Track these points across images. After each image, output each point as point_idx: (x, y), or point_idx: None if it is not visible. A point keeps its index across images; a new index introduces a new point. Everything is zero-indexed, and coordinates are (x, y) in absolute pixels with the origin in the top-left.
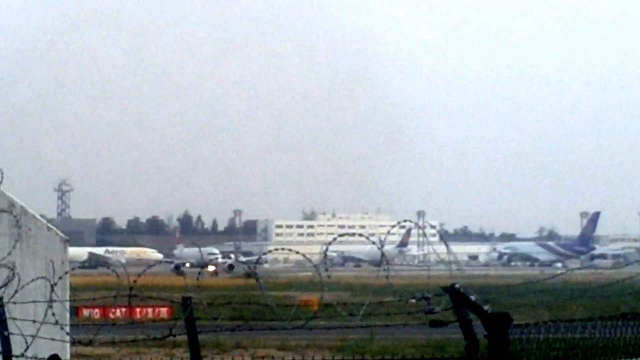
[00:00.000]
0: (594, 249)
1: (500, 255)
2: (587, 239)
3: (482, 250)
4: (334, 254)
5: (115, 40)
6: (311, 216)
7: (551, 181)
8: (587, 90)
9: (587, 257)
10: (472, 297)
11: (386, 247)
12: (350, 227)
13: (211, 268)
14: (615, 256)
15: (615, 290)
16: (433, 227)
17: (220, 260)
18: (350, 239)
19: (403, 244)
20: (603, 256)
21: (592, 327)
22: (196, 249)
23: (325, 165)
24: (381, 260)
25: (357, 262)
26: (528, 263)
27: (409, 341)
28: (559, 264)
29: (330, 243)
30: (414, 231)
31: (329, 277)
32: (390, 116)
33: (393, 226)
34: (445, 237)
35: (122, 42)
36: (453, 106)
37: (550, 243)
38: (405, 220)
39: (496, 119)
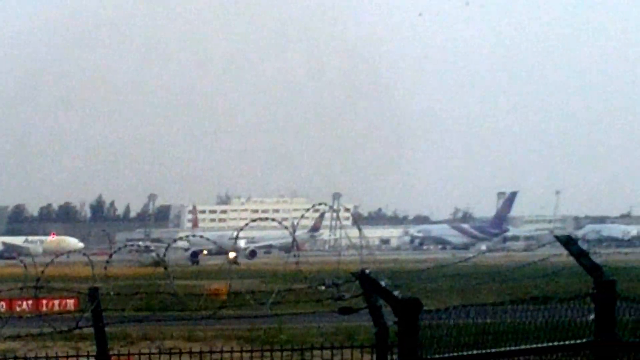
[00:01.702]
0: (507, 230)
1: (412, 239)
2: (501, 220)
3: (394, 233)
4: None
5: None
6: (226, 200)
7: (467, 161)
8: (500, 68)
9: (500, 239)
10: (383, 283)
11: (298, 232)
12: (264, 211)
13: (232, 255)
14: (527, 238)
15: (527, 273)
16: (347, 210)
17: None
18: (264, 223)
19: (315, 228)
20: (516, 238)
21: (502, 312)
22: (217, 233)
23: (241, 148)
24: (292, 246)
25: (267, 248)
26: (440, 246)
27: (319, 329)
28: (471, 247)
29: (241, 229)
30: (327, 215)
31: (238, 264)
32: (304, 99)
33: (307, 210)
34: (358, 220)
35: None
36: (368, 86)
37: (464, 225)
38: (320, 204)
39: (405, 103)
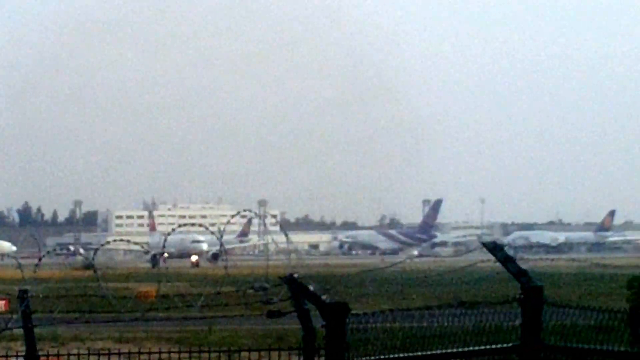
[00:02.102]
0: (435, 236)
1: (341, 244)
2: (428, 226)
3: (323, 239)
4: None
5: None
6: (152, 206)
7: (393, 169)
8: (423, 75)
9: (429, 244)
10: (311, 287)
11: (226, 237)
12: (191, 217)
13: (194, 258)
14: (456, 244)
15: (455, 278)
16: (274, 216)
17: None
18: (192, 229)
19: (244, 233)
20: (444, 244)
21: (430, 316)
22: (179, 236)
23: (166, 154)
24: (220, 251)
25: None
26: (369, 251)
27: (249, 332)
28: (400, 253)
29: (169, 234)
30: (255, 220)
31: (167, 268)
32: (226, 105)
33: (233, 216)
34: (285, 226)
35: None
36: (299, 96)
37: (392, 231)
38: (245, 210)
39: (331, 109)
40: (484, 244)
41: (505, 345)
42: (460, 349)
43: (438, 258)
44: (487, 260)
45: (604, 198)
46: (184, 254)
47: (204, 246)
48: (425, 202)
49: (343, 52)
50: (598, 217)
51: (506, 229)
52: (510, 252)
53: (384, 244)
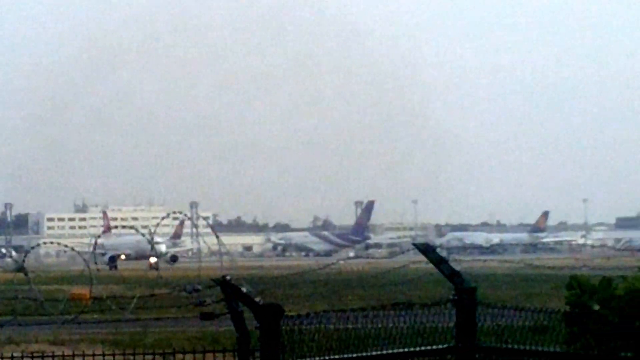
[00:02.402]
0: (369, 238)
1: (275, 246)
2: (362, 228)
3: (256, 241)
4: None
5: None
6: (83, 209)
7: (325, 170)
8: (358, 79)
9: (362, 246)
10: (244, 289)
11: (159, 239)
12: (122, 219)
13: (153, 259)
14: (390, 245)
15: (390, 279)
16: (205, 218)
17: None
18: (123, 231)
19: (176, 236)
20: (378, 245)
21: (365, 317)
22: (134, 237)
23: (96, 156)
24: (151, 253)
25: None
26: (303, 253)
27: (183, 334)
28: (334, 254)
29: (99, 236)
30: (188, 222)
31: (98, 270)
32: (151, 106)
33: (163, 218)
34: (216, 228)
35: None
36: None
37: (325, 233)
38: (174, 212)
39: (262, 111)
40: (416, 246)
41: (440, 346)
42: (396, 350)
43: (372, 259)
44: (420, 262)
45: (537, 199)
46: (141, 256)
47: (163, 248)
48: (358, 203)
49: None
50: (532, 218)
51: (440, 230)
52: (443, 253)
53: (317, 245)
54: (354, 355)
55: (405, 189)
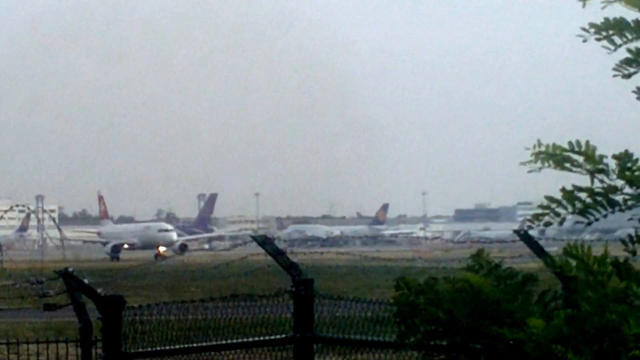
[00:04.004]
0: (212, 230)
1: None
2: (205, 220)
3: None
4: None
5: None
6: None
7: (169, 163)
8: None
9: (206, 238)
10: (86, 281)
11: (5, 232)
12: None
13: (162, 249)
14: (232, 238)
15: (232, 270)
16: (52, 211)
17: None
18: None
19: (23, 228)
20: (221, 238)
21: (204, 309)
22: (141, 225)
23: None
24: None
25: None
26: None
27: (27, 325)
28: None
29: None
30: (34, 215)
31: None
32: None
33: (6, 211)
34: (61, 221)
35: None
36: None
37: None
38: (17, 205)
39: (114, 105)
40: (254, 238)
41: (279, 336)
42: (237, 340)
43: (215, 251)
44: (259, 254)
45: (377, 192)
46: (148, 245)
47: (174, 236)
48: (201, 196)
49: None
50: (372, 211)
51: (282, 222)
52: (282, 246)
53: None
54: (195, 345)
55: (247, 182)
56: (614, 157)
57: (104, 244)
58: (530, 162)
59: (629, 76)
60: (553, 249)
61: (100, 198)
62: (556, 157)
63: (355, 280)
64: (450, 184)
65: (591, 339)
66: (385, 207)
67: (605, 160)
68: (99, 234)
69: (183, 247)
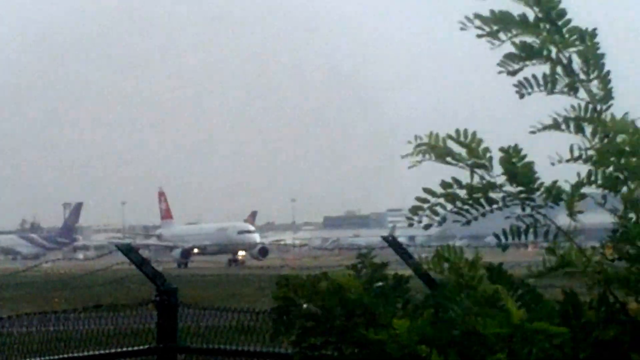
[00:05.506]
0: (77, 240)
1: None
2: (70, 230)
3: None
4: None
5: None
6: None
7: (33, 172)
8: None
9: (70, 248)
10: None
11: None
12: None
13: (241, 253)
14: (98, 247)
15: (96, 280)
16: None
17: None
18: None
19: None
20: (86, 247)
21: (66, 320)
22: (214, 226)
23: None
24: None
25: None
26: (11, 257)
27: None
28: (42, 257)
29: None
30: None
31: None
32: None
33: None
34: None
35: None
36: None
37: (33, 235)
38: None
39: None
40: (118, 247)
41: (142, 347)
42: (97, 352)
43: (78, 261)
44: (124, 263)
45: (246, 199)
46: (224, 249)
47: (256, 238)
48: (66, 205)
49: None
50: (240, 217)
51: (148, 230)
52: (146, 254)
53: (25, 248)
54: (57, 357)
55: (113, 190)
56: (501, 149)
57: (171, 249)
58: (411, 154)
59: (514, 73)
60: (424, 256)
61: (162, 194)
62: (438, 150)
63: (223, 288)
64: (319, 191)
65: (458, 341)
66: (254, 214)
67: (488, 155)
68: (159, 237)
69: (263, 252)
